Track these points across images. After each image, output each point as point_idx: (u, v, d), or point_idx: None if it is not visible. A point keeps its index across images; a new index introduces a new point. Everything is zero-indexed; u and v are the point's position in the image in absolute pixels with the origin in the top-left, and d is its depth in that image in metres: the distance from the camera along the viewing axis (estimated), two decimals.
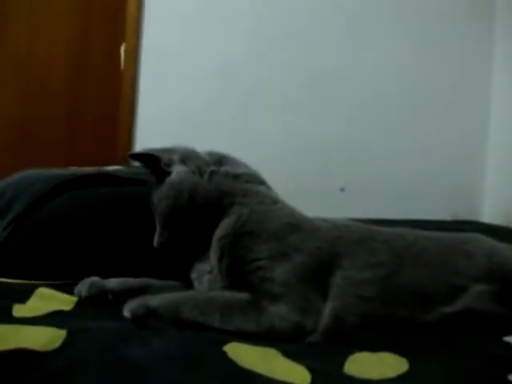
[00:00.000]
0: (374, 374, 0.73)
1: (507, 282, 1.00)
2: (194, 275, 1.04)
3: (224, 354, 0.74)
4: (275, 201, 1.05)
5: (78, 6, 2.65)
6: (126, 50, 2.57)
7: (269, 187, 1.11)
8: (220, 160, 1.08)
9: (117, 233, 1.18)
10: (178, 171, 1.03)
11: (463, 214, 2.68)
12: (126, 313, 0.88)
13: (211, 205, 1.01)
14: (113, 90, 2.60)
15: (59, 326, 0.78)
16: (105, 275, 1.05)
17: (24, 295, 0.96)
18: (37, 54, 2.62)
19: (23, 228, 1.16)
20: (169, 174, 1.04)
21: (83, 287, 1.01)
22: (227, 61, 2.59)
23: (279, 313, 0.86)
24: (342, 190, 2.66)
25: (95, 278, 1.03)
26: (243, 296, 0.89)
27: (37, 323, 0.80)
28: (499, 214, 2.66)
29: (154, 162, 1.05)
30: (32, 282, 1.06)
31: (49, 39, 2.62)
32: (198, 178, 1.03)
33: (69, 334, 0.76)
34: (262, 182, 1.10)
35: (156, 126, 2.53)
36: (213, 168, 1.05)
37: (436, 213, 2.51)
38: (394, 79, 2.76)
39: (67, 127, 2.66)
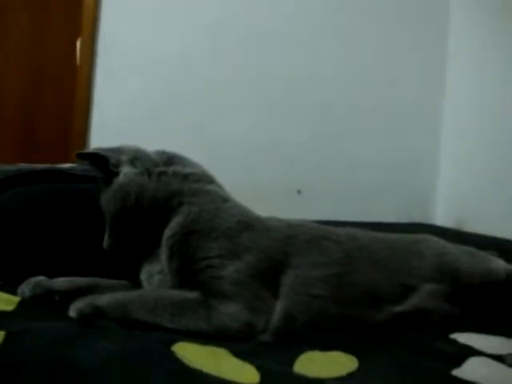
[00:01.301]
0: (324, 373, 0.73)
1: (456, 282, 1.03)
2: (143, 276, 1.02)
3: (172, 353, 0.72)
4: (226, 199, 1.04)
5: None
6: (81, 45, 2.52)
7: (220, 186, 1.10)
8: (169, 160, 1.07)
9: (65, 230, 1.14)
10: (125, 172, 1.01)
11: (417, 218, 2.75)
12: (72, 312, 0.85)
13: (160, 205, 1.00)
14: (68, 86, 2.54)
15: None
16: (52, 274, 1.01)
17: None
18: None
19: None
20: (117, 174, 1.02)
21: (27, 287, 0.97)
22: (186, 58, 2.57)
23: (229, 312, 0.85)
24: (299, 192, 2.67)
25: (40, 278, 0.99)
26: (193, 295, 0.88)
27: None
28: (451, 217, 2.74)
29: (102, 161, 1.03)
30: None
31: (3, 34, 2.55)
32: (147, 179, 1.01)
33: (7, 336, 0.72)
34: (212, 181, 1.09)
35: (112, 122, 2.48)
36: (161, 168, 1.03)
37: (390, 217, 2.55)
38: (351, 85, 2.80)
39: (22, 124, 2.60)
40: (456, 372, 0.76)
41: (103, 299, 0.87)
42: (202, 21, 2.60)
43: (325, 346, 0.82)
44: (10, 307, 0.89)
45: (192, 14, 2.59)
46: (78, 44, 2.53)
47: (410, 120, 2.91)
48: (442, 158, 2.93)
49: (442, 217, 2.85)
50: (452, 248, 1.12)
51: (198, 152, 2.67)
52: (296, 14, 2.71)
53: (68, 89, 2.55)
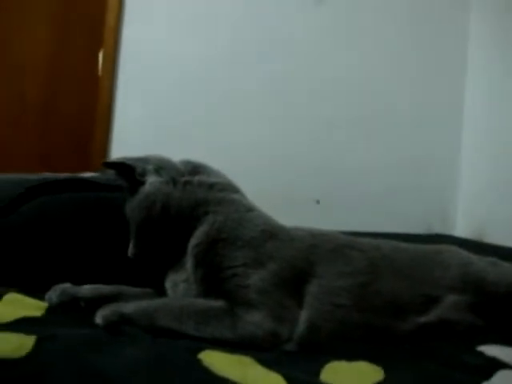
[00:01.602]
0: (349, 383, 0.73)
1: (481, 292, 1.02)
2: (168, 284, 1.02)
3: (198, 361, 0.72)
4: (250, 209, 1.05)
5: (57, 11, 2.63)
6: (104, 56, 2.56)
7: (244, 195, 1.11)
8: (194, 169, 1.08)
9: (90, 238, 1.16)
10: (151, 182, 1.02)
11: (437, 229, 2.72)
12: (99, 319, 0.86)
13: (185, 214, 1.01)
14: (90, 97, 2.58)
15: (28, 332, 0.76)
16: (77, 282, 1.02)
17: None
18: (14, 60, 2.58)
19: None
20: (143, 183, 1.03)
21: (54, 294, 0.98)
22: (208, 68, 2.59)
23: (254, 320, 0.85)
24: (318, 202, 2.67)
25: (67, 285, 1.00)
26: (218, 303, 0.88)
27: (4, 329, 0.77)
28: (471, 228, 2.71)
29: (128, 171, 1.04)
30: (1, 288, 1.03)
31: (26, 45, 2.59)
32: (172, 188, 1.02)
33: (38, 341, 0.73)
34: (236, 191, 1.10)
35: (133, 133, 2.51)
36: (187, 178, 1.04)
37: (410, 227, 2.53)
38: (369, 93, 2.79)
39: (43, 134, 2.63)
40: None
41: (129, 307, 0.88)
42: (222, 32, 2.63)
43: (350, 356, 0.82)
44: (38, 313, 0.90)
45: (212, 25, 2.62)
46: (101, 55, 2.57)
47: (430, 129, 2.89)
48: (462, 167, 2.90)
49: (461, 227, 2.82)
50: (476, 258, 1.11)
51: (217, 162, 2.69)
52: (310, 22, 2.72)
53: (90, 99, 2.59)
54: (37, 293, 1.00)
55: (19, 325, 0.82)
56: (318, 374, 0.74)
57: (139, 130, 2.51)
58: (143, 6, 2.57)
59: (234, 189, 1.09)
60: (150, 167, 1.04)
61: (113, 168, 1.08)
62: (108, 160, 1.10)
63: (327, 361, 0.78)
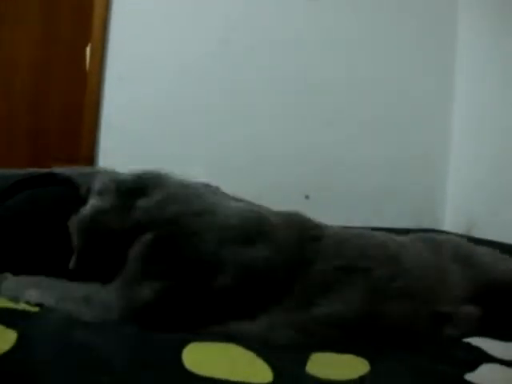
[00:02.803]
0: (335, 375, 0.73)
1: (485, 284, 0.99)
2: None
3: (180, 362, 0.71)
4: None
5: (45, 5, 2.61)
6: (91, 51, 2.54)
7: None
8: (144, 188, 1.01)
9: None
10: (91, 205, 1.00)
11: (426, 224, 2.73)
12: None
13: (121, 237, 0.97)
14: (77, 91, 2.57)
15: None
16: (64, 275, 1.02)
17: None
18: (1, 55, 2.57)
19: None
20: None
21: None
22: (196, 64, 2.58)
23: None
24: (307, 197, 2.67)
25: None
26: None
27: None
28: (460, 223, 2.73)
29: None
30: None
31: (13, 39, 2.58)
32: (110, 213, 0.99)
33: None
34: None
35: (120, 127, 2.50)
36: (127, 202, 0.99)
37: (399, 222, 2.54)
38: (358, 91, 2.80)
39: (31, 128, 2.62)
40: (469, 376, 0.75)
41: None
42: (212, 28, 2.62)
43: (336, 349, 0.82)
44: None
45: (203, 19, 2.61)
46: (88, 50, 2.55)
47: (419, 124, 2.90)
48: (450, 165, 2.92)
49: (450, 222, 2.84)
50: (481, 252, 1.09)
51: (205, 157, 2.69)
52: (305, 21, 2.72)
53: (77, 95, 2.58)
54: None
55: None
56: (304, 364, 0.74)
57: (127, 124, 2.50)
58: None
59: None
60: (95, 187, 1.02)
61: (61, 184, 1.07)
62: (58, 171, 1.06)
63: (313, 352, 0.78)
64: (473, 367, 0.78)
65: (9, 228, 1.14)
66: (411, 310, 0.90)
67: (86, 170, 1.06)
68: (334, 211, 2.58)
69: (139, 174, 1.05)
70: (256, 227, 0.97)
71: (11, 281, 0.96)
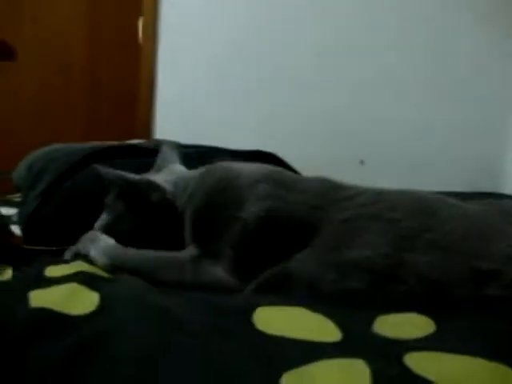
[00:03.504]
0: (402, 334, 0.74)
1: None
2: None
3: (251, 323, 0.74)
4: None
5: None
6: (143, 24, 2.57)
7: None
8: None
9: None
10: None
11: (485, 187, 2.66)
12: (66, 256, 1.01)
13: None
14: (132, 65, 2.62)
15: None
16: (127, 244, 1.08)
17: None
18: (55, 30, 2.64)
19: (52, 198, 1.19)
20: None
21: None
22: (249, 31, 2.58)
23: (212, 271, 0.93)
24: (362, 162, 2.65)
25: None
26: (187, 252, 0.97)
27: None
28: None
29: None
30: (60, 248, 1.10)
31: (67, 14, 2.64)
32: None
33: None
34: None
35: (175, 100, 2.54)
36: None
37: (457, 185, 2.49)
38: (409, 50, 2.72)
39: (87, 104, 2.70)
40: None
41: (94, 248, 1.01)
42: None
43: (399, 308, 0.82)
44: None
45: None
46: (140, 23, 2.59)
47: (477, 83, 2.80)
48: (510, 123, 2.80)
49: (510, 187, 2.75)
50: None
51: (257, 127, 2.70)
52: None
53: (132, 67, 2.62)
54: None
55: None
56: (371, 324, 0.75)
57: (182, 98, 2.55)
58: None
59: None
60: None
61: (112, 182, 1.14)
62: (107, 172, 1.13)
63: (379, 312, 0.79)
64: None
65: (79, 200, 1.21)
66: (445, 261, 0.86)
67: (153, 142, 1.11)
68: (388, 176, 2.56)
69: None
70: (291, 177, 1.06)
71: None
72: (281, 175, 1.06)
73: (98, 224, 1.11)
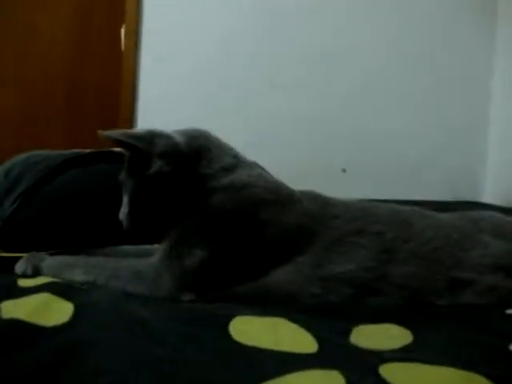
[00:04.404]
0: (378, 345, 0.74)
1: None
2: None
3: (227, 334, 0.74)
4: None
5: None
6: (126, 32, 2.56)
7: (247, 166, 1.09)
8: (198, 152, 1.00)
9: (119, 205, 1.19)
10: (157, 171, 0.95)
11: (464, 196, 2.69)
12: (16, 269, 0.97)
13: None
14: (114, 71, 2.60)
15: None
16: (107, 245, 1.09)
17: None
18: (37, 36, 2.61)
19: (30, 202, 1.17)
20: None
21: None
22: (230, 38, 2.59)
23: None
24: (344, 170, 2.66)
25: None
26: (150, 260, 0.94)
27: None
28: (500, 194, 2.67)
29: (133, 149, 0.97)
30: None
31: (49, 21, 2.62)
32: (175, 181, 0.96)
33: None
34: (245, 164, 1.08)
35: (157, 105, 2.53)
36: (190, 169, 0.97)
37: (437, 194, 2.52)
38: (394, 59, 2.75)
39: (68, 109, 2.67)
40: None
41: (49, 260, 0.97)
42: (243, 3, 2.60)
43: (377, 319, 0.83)
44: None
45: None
46: (123, 30, 2.58)
47: (457, 92, 2.84)
48: (490, 132, 2.85)
49: (490, 194, 2.79)
50: None
51: (242, 130, 2.70)
52: None
53: (114, 75, 2.61)
54: None
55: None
56: (347, 335, 0.76)
57: (164, 103, 2.54)
58: None
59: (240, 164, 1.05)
60: (156, 150, 0.96)
61: (120, 145, 1.01)
62: (113, 135, 0.97)
63: (356, 323, 0.80)
64: None
65: (57, 205, 1.19)
66: (425, 271, 0.90)
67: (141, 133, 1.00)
68: (370, 184, 2.58)
69: (189, 133, 1.04)
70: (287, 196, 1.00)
71: (51, 260, 0.98)
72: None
73: (122, 212, 1.00)
